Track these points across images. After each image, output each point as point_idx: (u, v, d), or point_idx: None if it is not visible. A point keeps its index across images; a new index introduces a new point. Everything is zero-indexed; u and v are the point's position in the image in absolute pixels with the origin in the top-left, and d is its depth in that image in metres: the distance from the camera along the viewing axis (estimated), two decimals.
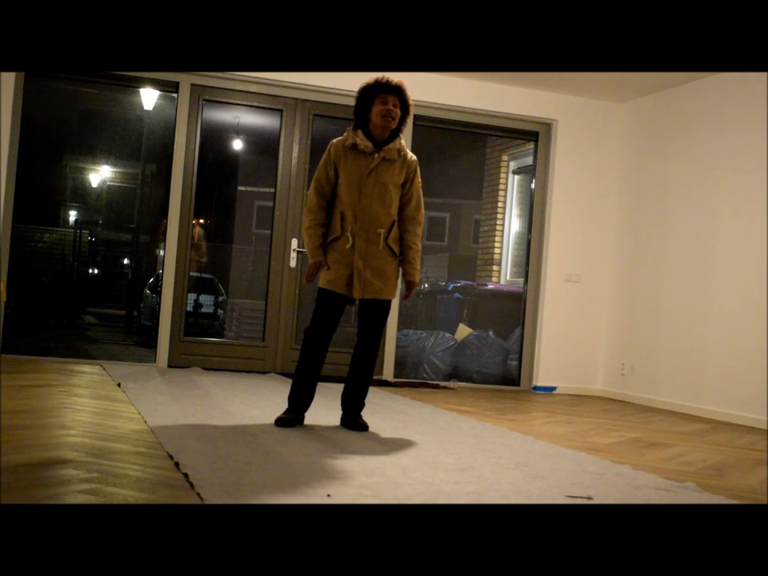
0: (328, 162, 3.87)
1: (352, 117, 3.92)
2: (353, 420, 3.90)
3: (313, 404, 3.99)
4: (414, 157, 3.95)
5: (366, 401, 4.02)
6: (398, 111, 3.80)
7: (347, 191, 3.81)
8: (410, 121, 6.70)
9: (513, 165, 9.41)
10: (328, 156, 3.87)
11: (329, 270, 3.84)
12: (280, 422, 3.80)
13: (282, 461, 2.94)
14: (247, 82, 6.51)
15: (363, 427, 3.87)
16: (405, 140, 6.74)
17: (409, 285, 3.98)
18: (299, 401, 3.88)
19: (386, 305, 3.95)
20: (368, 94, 3.81)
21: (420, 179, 3.96)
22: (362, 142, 3.79)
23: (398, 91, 3.80)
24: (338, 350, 6.13)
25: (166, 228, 6.41)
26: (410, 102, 3.87)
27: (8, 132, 5.93)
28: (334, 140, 3.92)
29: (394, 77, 3.84)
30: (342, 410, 3.99)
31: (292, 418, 3.84)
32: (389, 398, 5.44)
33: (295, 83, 6.50)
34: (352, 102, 3.94)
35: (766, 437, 5.00)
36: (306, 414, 3.95)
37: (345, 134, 3.89)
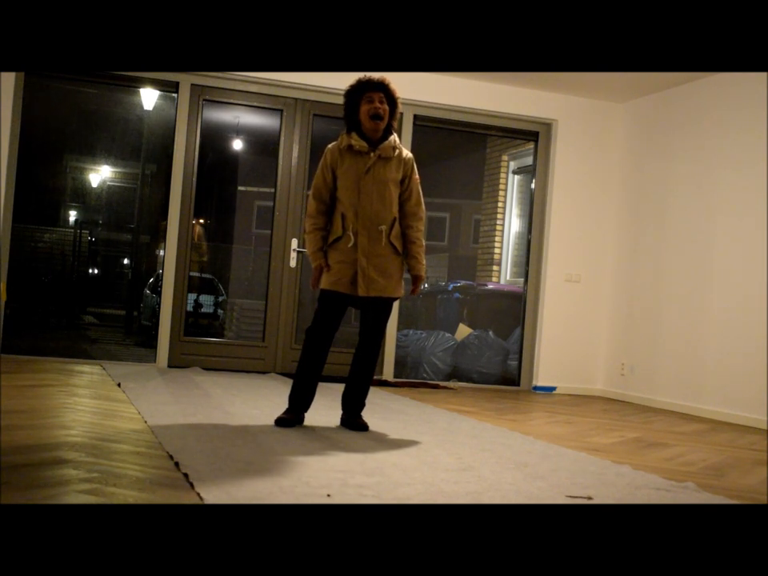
0: (325, 167, 3.89)
1: (343, 116, 3.94)
2: (353, 420, 3.90)
3: (313, 404, 3.99)
4: (410, 154, 3.96)
5: (366, 401, 4.02)
6: (386, 107, 3.81)
7: (346, 192, 3.82)
8: (407, 118, 6.76)
9: (513, 165, 9.41)
10: (324, 161, 3.90)
11: (330, 271, 3.84)
12: (280, 422, 3.80)
13: (282, 461, 2.94)
14: (247, 81, 6.51)
15: (363, 427, 3.87)
16: (404, 139, 6.78)
17: (415, 279, 3.99)
18: (299, 401, 3.88)
19: (388, 304, 3.94)
20: (353, 95, 3.84)
21: (418, 175, 3.97)
22: (357, 142, 3.81)
23: (382, 87, 3.81)
24: (338, 349, 6.13)
25: (166, 229, 6.41)
26: (396, 95, 3.87)
27: (8, 132, 5.93)
28: (330, 145, 3.94)
29: (376, 75, 3.83)
30: (343, 409, 3.99)
31: (292, 418, 3.83)
32: (389, 398, 5.44)
33: (295, 83, 6.50)
34: None
35: (766, 437, 5.00)
36: (306, 414, 3.95)
37: (339, 138, 3.91)
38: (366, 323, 3.94)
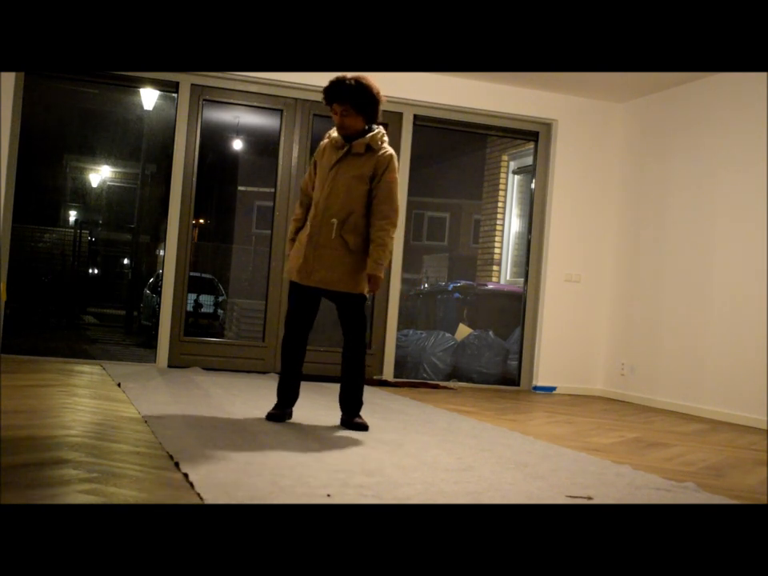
0: (312, 161, 4.05)
1: None
2: (352, 420, 3.91)
3: (313, 404, 4.01)
4: (390, 152, 3.86)
5: (366, 401, 4.02)
6: (348, 118, 3.78)
7: (317, 184, 3.93)
8: (407, 118, 6.75)
9: (513, 165, 9.41)
10: (314, 155, 4.04)
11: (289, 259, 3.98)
12: (270, 416, 3.92)
13: (282, 461, 2.94)
14: (247, 81, 6.50)
15: (363, 427, 3.87)
16: (404, 139, 6.78)
17: (369, 279, 3.86)
18: (283, 396, 3.98)
19: (350, 299, 3.89)
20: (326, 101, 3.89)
21: (394, 175, 3.85)
22: (337, 138, 3.89)
23: (342, 98, 3.76)
24: (335, 349, 6.13)
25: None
26: (365, 95, 3.76)
27: (8, 132, 5.93)
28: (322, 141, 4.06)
29: (349, 75, 3.81)
30: (341, 410, 4.00)
31: (279, 413, 3.93)
32: (389, 398, 5.44)
33: (295, 83, 6.49)
34: None
35: (766, 437, 5.00)
36: (307, 415, 3.99)
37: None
38: (341, 321, 3.98)
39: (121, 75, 6.34)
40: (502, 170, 9.40)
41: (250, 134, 8.82)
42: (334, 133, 3.93)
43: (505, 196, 9.44)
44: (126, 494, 2.33)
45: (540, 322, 7.09)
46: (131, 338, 9.61)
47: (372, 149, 3.83)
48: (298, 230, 4.01)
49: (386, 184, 3.83)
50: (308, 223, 3.91)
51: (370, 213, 3.86)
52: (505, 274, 9.38)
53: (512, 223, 9.46)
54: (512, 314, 7.68)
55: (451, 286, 8.76)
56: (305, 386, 4.23)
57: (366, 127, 3.85)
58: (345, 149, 3.84)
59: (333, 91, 3.79)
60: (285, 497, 2.40)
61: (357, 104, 3.77)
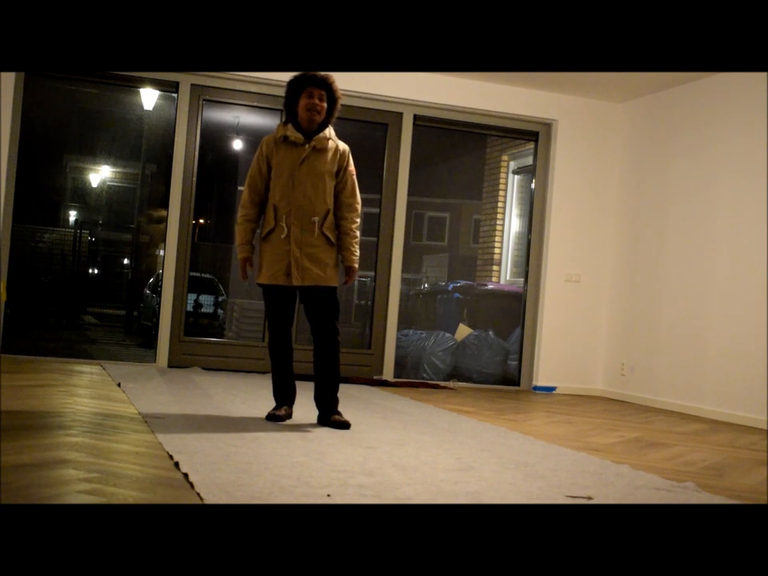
0: (260, 158, 3.92)
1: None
2: (328, 417, 3.88)
3: (312, 404, 4.00)
4: (346, 146, 3.99)
5: (366, 400, 4.03)
6: (324, 104, 3.84)
7: (280, 183, 3.85)
8: (407, 118, 6.76)
9: (513, 165, 9.41)
10: (260, 151, 3.93)
11: (264, 264, 3.88)
12: (271, 417, 3.90)
13: (282, 461, 2.94)
14: (247, 81, 6.51)
15: (345, 425, 3.83)
16: (404, 139, 6.78)
17: (348, 270, 3.97)
18: (283, 396, 3.97)
19: (331, 293, 3.92)
20: (295, 87, 3.86)
21: (353, 168, 3.98)
22: (293, 133, 3.84)
23: (324, 84, 3.83)
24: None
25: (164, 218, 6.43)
26: (338, 94, 3.89)
27: (8, 132, 5.93)
28: (266, 136, 3.98)
29: (322, 72, 3.85)
30: (318, 408, 3.98)
31: (282, 414, 3.92)
32: (389, 397, 5.44)
33: None
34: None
35: (766, 437, 5.00)
36: (306, 415, 3.97)
37: (276, 128, 3.96)
38: (314, 319, 3.93)
39: (121, 75, 6.35)
40: (502, 170, 9.39)
41: (250, 134, 8.81)
42: (286, 131, 3.84)
43: (505, 196, 9.44)
44: (125, 493, 2.33)
45: (540, 322, 7.09)
46: (131, 337, 9.61)
47: (331, 143, 3.89)
48: (252, 231, 3.94)
49: (350, 176, 3.95)
50: (281, 224, 3.82)
51: (335, 206, 3.93)
52: (505, 274, 9.37)
53: (512, 223, 9.45)
54: (512, 314, 7.68)
55: (451, 286, 8.75)
56: (304, 386, 4.24)
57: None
58: (309, 145, 3.83)
59: (314, 77, 3.81)
60: (285, 497, 2.40)
61: (330, 98, 3.86)
